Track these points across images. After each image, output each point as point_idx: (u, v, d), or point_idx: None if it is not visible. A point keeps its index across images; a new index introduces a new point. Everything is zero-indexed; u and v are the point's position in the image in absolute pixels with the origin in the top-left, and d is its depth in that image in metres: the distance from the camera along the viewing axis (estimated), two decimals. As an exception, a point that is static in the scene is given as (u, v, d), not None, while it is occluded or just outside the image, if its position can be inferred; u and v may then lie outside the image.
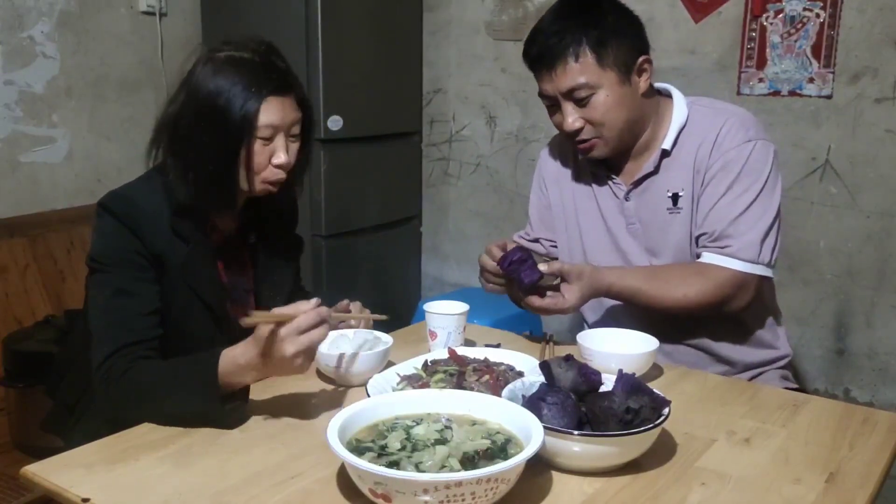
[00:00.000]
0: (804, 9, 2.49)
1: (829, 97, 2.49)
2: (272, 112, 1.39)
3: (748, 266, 1.55)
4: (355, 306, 1.57)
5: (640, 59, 1.57)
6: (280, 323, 1.20)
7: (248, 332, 1.24)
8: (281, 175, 1.44)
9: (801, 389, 1.69)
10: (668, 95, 1.67)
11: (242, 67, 1.39)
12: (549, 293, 1.52)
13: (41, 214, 2.61)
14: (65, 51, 2.71)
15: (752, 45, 2.59)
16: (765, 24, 2.56)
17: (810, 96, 2.52)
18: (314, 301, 1.23)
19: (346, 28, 2.90)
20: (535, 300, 1.51)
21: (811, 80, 2.51)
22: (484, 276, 1.62)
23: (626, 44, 1.56)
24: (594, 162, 1.69)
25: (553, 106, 1.61)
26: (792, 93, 2.54)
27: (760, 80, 2.59)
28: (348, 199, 2.96)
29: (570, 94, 1.55)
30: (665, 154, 1.62)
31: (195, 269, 1.44)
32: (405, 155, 3.37)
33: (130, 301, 1.37)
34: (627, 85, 1.56)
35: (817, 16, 2.47)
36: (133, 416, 1.28)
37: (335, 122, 2.86)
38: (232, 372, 1.24)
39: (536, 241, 1.91)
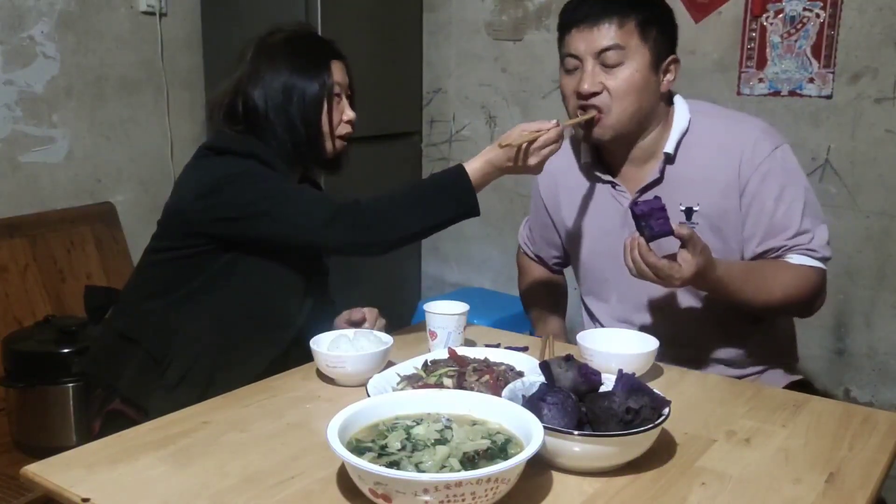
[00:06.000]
0: (804, 9, 2.49)
1: (829, 97, 2.49)
2: (337, 72, 1.63)
3: (824, 264, 1.59)
4: (371, 313, 1.66)
5: (671, 56, 1.58)
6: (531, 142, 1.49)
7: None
8: (350, 130, 1.66)
9: (807, 380, 1.70)
10: (671, 102, 1.64)
11: (305, 43, 1.64)
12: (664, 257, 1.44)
13: (41, 214, 2.61)
14: (65, 51, 2.71)
15: (752, 45, 2.59)
16: (765, 24, 2.56)
17: (810, 96, 2.52)
18: (554, 121, 1.50)
19: (346, 28, 2.90)
20: (652, 255, 1.42)
21: (811, 80, 2.51)
22: None
23: (665, 35, 1.57)
24: (596, 164, 1.68)
25: (573, 70, 1.58)
26: (792, 93, 2.55)
27: (760, 80, 2.59)
28: (348, 199, 2.96)
29: (600, 55, 1.53)
30: (668, 160, 1.60)
31: None
32: (405, 155, 3.37)
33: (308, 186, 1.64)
34: (654, 74, 1.56)
35: (817, 16, 2.47)
36: (390, 233, 1.50)
37: (335, 122, 2.86)
38: (483, 174, 1.51)
39: (539, 258, 1.94)
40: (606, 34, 1.53)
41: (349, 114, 1.65)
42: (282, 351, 1.58)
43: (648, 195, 1.56)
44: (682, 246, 1.42)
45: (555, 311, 1.90)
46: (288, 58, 1.60)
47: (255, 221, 1.51)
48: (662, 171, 1.61)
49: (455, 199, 1.50)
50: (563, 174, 1.76)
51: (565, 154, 1.75)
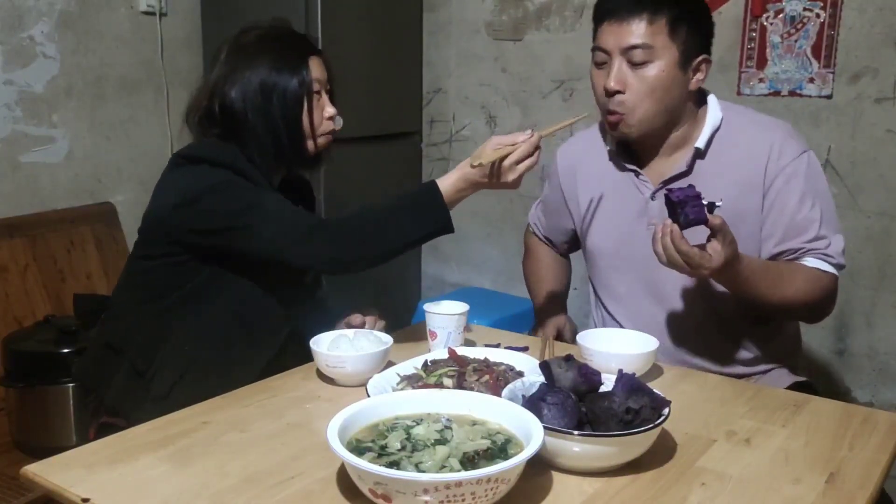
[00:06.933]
0: (804, 9, 2.49)
1: (829, 97, 2.49)
2: (315, 68, 1.59)
3: (837, 272, 1.59)
4: (370, 318, 1.64)
5: (702, 56, 1.58)
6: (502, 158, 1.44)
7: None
8: (333, 127, 1.63)
9: (810, 381, 1.69)
10: (705, 100, 1.65)
11: (280, 40, 1.60)
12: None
13: (41, 214, 2.61)
14: (65, 51, 2.71)
15: (752, 45, 2.59)
16: (765, 24, 2.56)
17: (810, 96, 2.52)
18: (528, 132, 1.46)
19: (346, 28, 2.90)
20: (685, 243, 1.40)
21: (811, 80, 2.51)
22: None
23: (697, 35, 1.57)
24: (621, 152, 1.68)
25: (602, 64, 1.58)
26: (792, 93, 2.54)
27: (760, 80, 2.59)
28: (348, 199, 2.95)
29: (627, 52, 1.53)
30: (699, 154, 1.61)
31: None
32: (405, 155, 3.36)
33: (284, 200, 1.53)
34: (682, 73, 1.56)
35: (817, 16, 2.47)
36: (364, 250, 1.47)
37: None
38: (456, 191, 1.47)
39: (549, 240, 1.94)
40: (636, 31, 1.52)
41: (329, 110, 1.61)
42: (273, 356, 1.56)
43: (675, 186, 1.55)
44: (712, 236, 1.41)
45: (557, 292, 1.91)
46: (264, 55, 1.56)
47: (231, 235, 1.48)
48: (690, 165, 1.61)
49: (428, 216, 1.47)
50: (585, 157, 1.77)
51: (590, 138, 1.76)
